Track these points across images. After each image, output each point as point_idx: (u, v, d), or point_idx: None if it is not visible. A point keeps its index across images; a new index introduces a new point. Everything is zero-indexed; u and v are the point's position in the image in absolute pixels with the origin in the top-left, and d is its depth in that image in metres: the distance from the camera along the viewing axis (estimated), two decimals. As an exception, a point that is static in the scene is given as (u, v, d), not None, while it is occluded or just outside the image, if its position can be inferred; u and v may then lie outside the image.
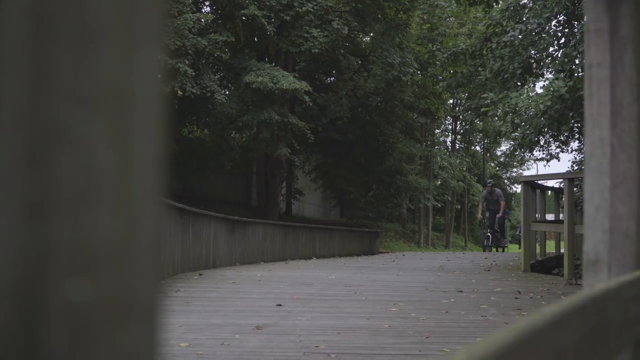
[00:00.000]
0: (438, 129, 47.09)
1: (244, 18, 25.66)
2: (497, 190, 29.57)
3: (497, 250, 29.68)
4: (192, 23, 22.54)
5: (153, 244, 0.68)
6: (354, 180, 33.86)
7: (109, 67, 0.64)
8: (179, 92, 22.89)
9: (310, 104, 27.17)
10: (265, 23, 25.18)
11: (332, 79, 34.06)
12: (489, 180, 32.69)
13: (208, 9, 28.31)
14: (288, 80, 24.22)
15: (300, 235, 22.60)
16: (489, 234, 29.88)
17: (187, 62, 22.41)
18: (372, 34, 31.51)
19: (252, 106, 25.49)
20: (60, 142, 0.62)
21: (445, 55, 20.86)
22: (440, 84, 25.21)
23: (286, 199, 35.26)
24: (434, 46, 26.39)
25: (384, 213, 36.76)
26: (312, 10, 25.96)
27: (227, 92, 27.33)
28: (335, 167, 33.38)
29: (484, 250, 30.09)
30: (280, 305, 8.40)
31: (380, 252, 29.02)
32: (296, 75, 26.53)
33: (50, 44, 0.62)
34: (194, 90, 22.77)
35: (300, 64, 31.85)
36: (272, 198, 29.70)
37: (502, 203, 28.89)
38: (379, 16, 29.92)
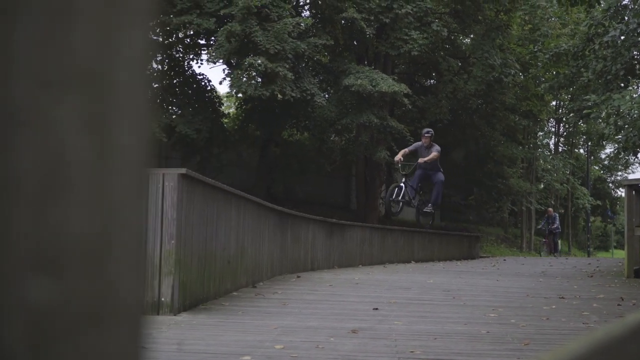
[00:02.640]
0: (541, 131, 46.17)
1: (343, 21, 25.69)
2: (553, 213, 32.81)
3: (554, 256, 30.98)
4: (291, 27, 22.69)
5: (134, 241, 0.62)
6: (454, 184, 33.50)
7: (83, 46, 0.58)
8: (279, 95, 23.08)
9: (410, 107, 27.03)
10: (365, 26, 25.16)
11: (431, 81, 33.82)
12: (554, 213, 33.77)
13: (307, 13, 28.46)
14: (387, 83, 24.14)
15: (399, 239, 22.48)
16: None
17: (286, 66, 22.57)
18: (472, 36, 31.14)
19: (352, 109, 25.50)
20: (21, 127, 0.56)
21: (547, 56, 20.48)
22: (543, 86, 24.77)
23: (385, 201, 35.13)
24: (536, 47, 25.96)
25: (485, 217, 36.30)
26: (411, 12, 25.81)
27: (327, 95, 27.41)
28: (435, 170, 33.09)
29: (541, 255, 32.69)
30: (376, 309, 8.35)
31: (481, 257, 28.62)
32: (395, 77, 26.42)
33: (13, 19, 0.56)
34: (294, 94, 22.91)
35: (399, 66, 31.71)
36: (371, 201, 29.64)
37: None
38: (479, 17, 29.54)
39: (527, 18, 32.67)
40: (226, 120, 31.36)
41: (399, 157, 17.33)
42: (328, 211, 25.38)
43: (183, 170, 7.50)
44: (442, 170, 18.08)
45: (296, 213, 14.52)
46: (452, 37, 30.65)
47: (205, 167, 25.59)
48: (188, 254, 7.67)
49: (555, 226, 32.16)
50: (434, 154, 17.23)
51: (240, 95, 24.83)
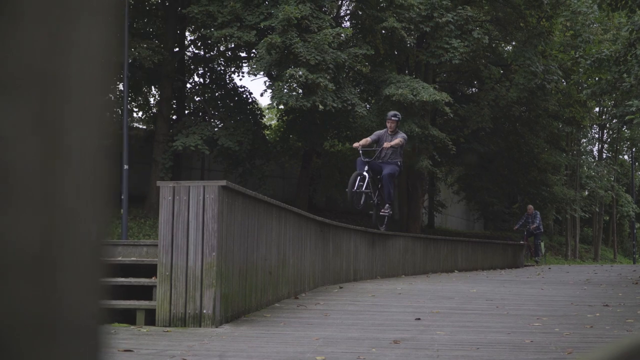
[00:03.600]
0: (584, 138, 45.70)
1: (383, 31, 25.67)
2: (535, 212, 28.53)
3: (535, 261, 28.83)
4: (331, 38, 22.73)
5: (86, 249, 0.58)
6: (497, 192, 33.30)
7: (30, 46, 0.54)
8: (320, 106, 23.12)
9: (452, 115, 26.92)
10: (405, 35, 25.13)
11: (473, 89, 33.66)
12: (535, 211, 29.03)
13: (348, 23, 28.50)
14: (428, 92, 24.06)
15: (442, 248, 22.34)
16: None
17: (327, 77, 22.60)
18: (513, 43, 30.96)
19: (393, 119, 25.44)
20: None
21: (588, 62, 20.25)
22: (585, 92, 24.50)
23: (428, 211, 35.03)
24: (577, 53, 25.70)
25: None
26: (452, 20, 25.72)
27: (368, 105, 27.40)
28: (478, 179, 32.93)
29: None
30: (419, 319, 8.30)
31: (525, 265, 28.34)
32: (436, 86, 26.34)
33: None
34: (335, 104, 22.94)
35: (440, 75, 31.61)
36: (414, 211, 29.55)
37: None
38: (521, 24, 29.36)
39: (568, 24, 32.38)
40: (268, 132, 31.49)
41: (358, 145, 15.16)
42: (370, 221, 25.31)
43: (223, 182, 7.53)
44: (400, 162, 15.51)
45: (338, 223, 14.50)
46: (494, 45, 30.49)
47: (247, 179, 25.70)
48: (229, 266, 7.69)
49: (535, 225, 28.00)
50: (398, 139, 14.87)
51: (281, 106, 24.93)
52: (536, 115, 32.02)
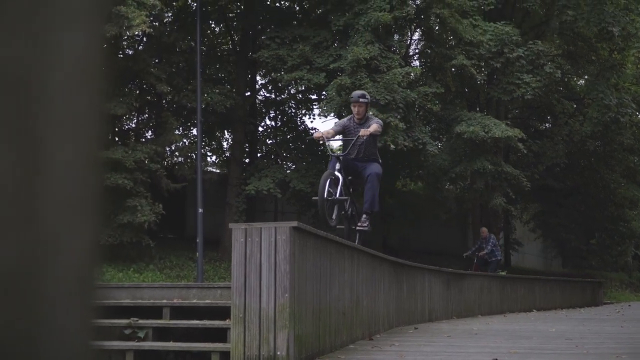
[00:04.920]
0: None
1: (453, 69, 25.60)
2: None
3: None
4: (401, 77, 22.73)
5: (72, 270, 0.53)
6: (574, 229, 32.67)
7: (6, 50, 0.50)
8: (391, 145, 23.06)
9: (525, 152, 26.59)
10: (475, 72, 25.00)
11: (546, 124, 33.25)
12: (490, 234, 24.24)
13: (417, 62, 28.50)
14: (500, 129, 23.83)
15: (519, 287, 21.97)
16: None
17: (397, 116, 22.57)
18: (586, 76, 30.55)
19: (465, 156, 25.26)
20: None
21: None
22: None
23: (504, 250, 34.53)
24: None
25: (607, 262, 35.17)
26: (523, 55, 25.50)
27: (439, 144, 27.26)
28: (554, 216, 32.38)
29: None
30: (496, 359, 8.12)
31: (604, 303, 27.67)
32: (509, 122, 26.08)
33: None
34: (406, 143, 22.86)
35: (512, 111, 31.32)
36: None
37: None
38: (593, 58, 29.00)
39: (642, 56, 31.85)
40: (340, 173, 31.47)
41: (320, 135, 11.07)
42: (444, 261, 25.03)
43: (295, 223, 7.53)
44: (380, 161, 11.55)
45: (411, 263, 14.39)
46: (566, 79, 30.12)
47: (320, 220, 25.68)
48: (302, 307, 7.65)
49: (487, 252, 23.11)
50: (375, 125, 10.85)
51: (352, 147, 24.91)
52: (611, 150, 31.43)
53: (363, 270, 10.41)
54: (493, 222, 29.00)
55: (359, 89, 20.78)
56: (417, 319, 14.01)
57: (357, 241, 10.95)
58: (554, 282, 25.35)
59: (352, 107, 11.27)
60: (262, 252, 7.36)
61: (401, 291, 13.13)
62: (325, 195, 10.21)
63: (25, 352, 0.50)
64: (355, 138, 10.76)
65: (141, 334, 8.52)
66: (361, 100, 11.07)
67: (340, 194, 10.52)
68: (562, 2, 26.88)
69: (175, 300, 9.30)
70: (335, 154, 10.91)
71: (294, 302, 7.38)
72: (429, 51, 26.81)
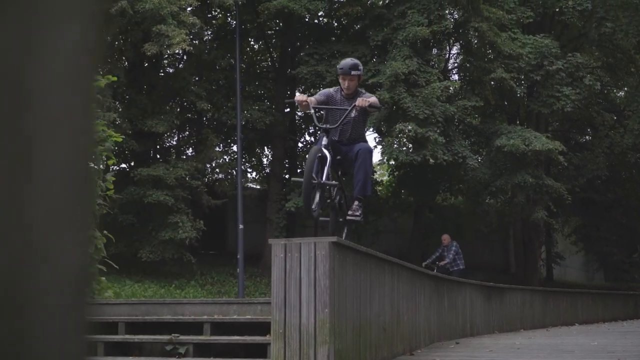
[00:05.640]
0: None
1: (492, 82, 25.45)
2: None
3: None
4: (440, 91, 22.66)
5: (64, 281, 0.49)
6: (616, 241, 32.25)
7: None
8: (431, 160, 22.97)
9: (566, 164, 26.35)
10: (515, 85, 24.84)
11: (587, 137, 32.90)
12: (452, 242, 21.50)
13: (456, 76, 28.40)
14: (541, 141, 23.63)
15: (561, 301, 21.70)
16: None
17: (437, 130, 22.49)
18: (625, 88, 30.20)
19: (505, 170, 25.06)
20: None
21: None
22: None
23: (546, 263, 34.19)
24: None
25: (651, 274, 34.70)
26: (562, 67, 25.28)
27: (479, 158, 27.08)
28: (596, 229, 32.00)
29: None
30: (539, 374, 7.99)
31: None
32: (549, 135, 25.84)
33: None
34: (446, 157, 22.76)
35: (553, 123, 31.04)
36: (531, 263, 28.89)
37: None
38: (632, 69, 28.69)
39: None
40: (379, 188, 31.47)
41: (302, 99, 8.68)
42: (486, 275, 24.83)
43: (334, 239, 7.48)
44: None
45: (452, 278, 14.29)
46: (606, 91, 29.83)
47: (361, 235, 25.64)
48: (342, 322, 7.60)
49: (447, 261, 20.73)
50: (373, 98, 8.70)
51: (392, 161, 24.90)
52: (654, 161, 31.06)
53: (403, 285, 10.34)
54: (534, 235, 28.73)
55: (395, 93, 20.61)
56: (458, 334, 13.88)
57: (344, 235, 9.00)
58: (596, 295, 25.04)
59: (340, 81, 8.71)
60: (301, 268, 7.32)
61: (442, 306, 13.03)
62: (310, 178, 8.00)
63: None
64: (349, 108, 8.37)
65: (182, 350, 8.52)
66: (353, 72, 8.53)
67: (327, 178, 8.35)
68: (600, 14, 26.64)
69: (215, 316, 9.30)
70: (324, 126, 8.52)
71: (334, 317, 7.33)
72: (467, 65, 26.68)
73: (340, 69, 8.61)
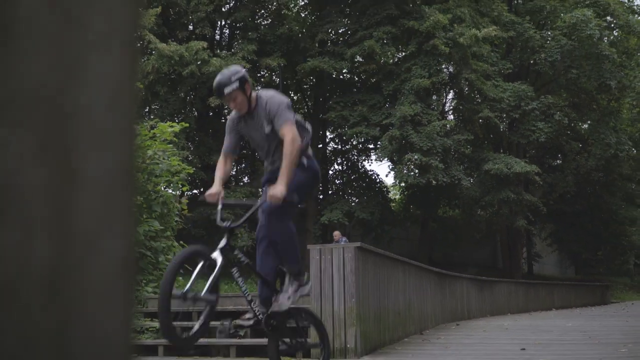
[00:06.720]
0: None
1: (480, 120, 25.36)
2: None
3: None
4: (439, 128, 22.65)
5: (110, 269, 0.44)
6: (584, 244, 31.85)
7: (35, 69, 0.43)
8: (433, 181, 22.90)
9: (541, 183, 26.09)
10: (498, 122, 24.76)
11: (558, 161, 32.58)
12: (342, 237, 17.79)
13: (451, 116, 28.34)
14: (520, 165, 23.52)
15: (541, 291, 21.46)
16: None
17: (437, 159, 22.45)
18: (589, 122, 29.91)
19: (492, 189, 24.92)
20: None
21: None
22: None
23: (527, 261, 33.79)
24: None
25: (612, 269, 34.15)
26: (536, 107, 25.17)
27: (471, 179, 26.94)
28: (567, 233, 31.64)
29: None
30: (524, 349, 7.91)
31: (612, 302, 26.78)
32: (527, 160, 25.66)
33: None
34: (445, 180, 22.69)
35: (530, 151, 30.81)
36: (515, 261, 28.61)
37: None
38: (594, 106, 28.44)
39: (634, 103, 31.06)
40: (393, 204, 31.38)
41: (212, 197, 4.98)
42: (479, 271, 24.61)
43: (358, 244, 7.53)
44: (306, 163, 4.97)
45: (452, 273, 14.20)
46: (572, 124, 29.56)
47: (379, 241, 25.57)
48: (366, 309, 7.61)
49: None
50: (288, 137, 4.53)
51: (402, 184, 24.86)
52: (612, 179, 30.63)
53: (413, 279, 10.31)
54: (517, 239, 28.44)
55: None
56: (458, 317, 13.78)
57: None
58: (569, 286, 24.71)
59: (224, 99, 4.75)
60: (333, 267, 7.36)
61: (444, 295, 12.95)
62: (171, 292, 4.05)
63: (60, 350, 0.43)
64: (263, 126, 4.69)
65: (242, 332, 8.56)
66: (227, 91, 4.52)
67: (212, 290, 4.58)
68: (567, 63, 26.46)
69: (267, 307, 9.33)
70: (224, 224, 4.74)
71: (359, 305, 7.35)
72: (460, 107, 26.61)
73: (215, 92, 4.64)
